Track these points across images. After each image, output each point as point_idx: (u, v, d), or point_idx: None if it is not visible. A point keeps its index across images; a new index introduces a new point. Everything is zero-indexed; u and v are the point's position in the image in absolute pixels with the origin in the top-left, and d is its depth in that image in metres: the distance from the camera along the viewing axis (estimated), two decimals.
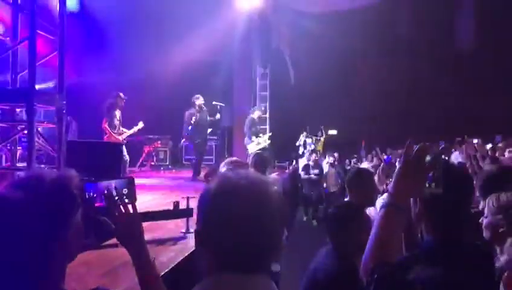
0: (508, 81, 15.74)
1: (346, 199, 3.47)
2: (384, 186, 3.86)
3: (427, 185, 1.28)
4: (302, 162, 13.56)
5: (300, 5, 14.85)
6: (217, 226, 1.11)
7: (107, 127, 7.85)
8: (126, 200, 1.49)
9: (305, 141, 14.98)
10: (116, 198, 1.46)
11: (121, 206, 1.45)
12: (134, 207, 1.49)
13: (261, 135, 11.02)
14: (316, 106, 15.84)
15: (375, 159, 12.27)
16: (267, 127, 15.20)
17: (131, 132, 8.51)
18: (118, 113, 8.30)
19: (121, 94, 8.26)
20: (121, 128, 8.54)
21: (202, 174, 10.65)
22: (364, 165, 12.03)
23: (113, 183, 1.44)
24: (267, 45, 14.63)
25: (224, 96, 13.37)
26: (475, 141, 13.54)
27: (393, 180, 1.26)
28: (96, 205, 1.41)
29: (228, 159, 3.61)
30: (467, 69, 16.22)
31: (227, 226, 1.09)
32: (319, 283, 2.44)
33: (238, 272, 1.10)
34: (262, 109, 11.13)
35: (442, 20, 16.66)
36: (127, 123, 9.01)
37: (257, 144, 10.78)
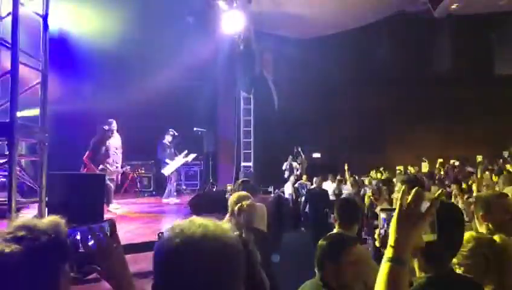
0: (485, 101, 16.15)
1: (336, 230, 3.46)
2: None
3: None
4: (288, 186, 13.59)
5: (284, 30, 15.12)
6: (170, 281, 1.07)
7: (87, 160, 7.77)
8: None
9: (290, 164, 15.04)
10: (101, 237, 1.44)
11: (105, 244, 1.44)
12: (117, 245, 1.47)
13: (177, 156, 11.36)
14: (300, 130, 15.96)
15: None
16: (252, 151, 15.26)
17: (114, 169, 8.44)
18: (109, 144, 8.25)
19: (105, 127, 8.21)
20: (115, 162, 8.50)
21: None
22: (344, 187, 12.15)
23: (95, 226, 1.42)
24: (250, 70, 14.78)
25: (208, 121, 13.42)
26: (456, 162, 13.83)
27: (390, 231, 1.22)
28: (79, 250, 1.39)
29: (237, 194, 3.65)
30: (446, 91, 16.57)
31: (180, 281, 1.05)
32: None
33: None
34: (171, 133, 11.49)
35: (421, 43, 17.10)
36: None
37: (172, 165, 11.21)
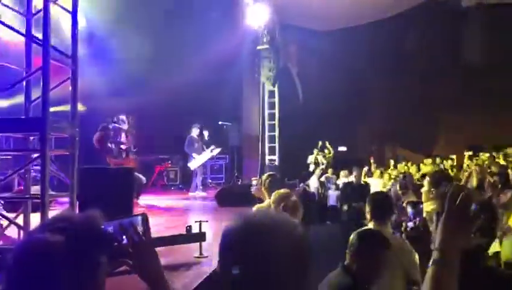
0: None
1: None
2: None
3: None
4: (313, 180, 13.51)
5: (308, 23, 14.96)
6: (235, 265, 1.08)
7: (114, 160, 7.75)
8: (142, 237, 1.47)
9: (316, 158, 14.94)
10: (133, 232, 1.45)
11: (139, 240, 1.44)
12: (150, 241, 1.47)
13: (205, 150, 11.43)
14: (325, 123, 15.83)
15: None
16: (276, 145, 15.21)
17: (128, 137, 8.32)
18: (123, 137, 8.19)
19: (123, 117, 8.14)
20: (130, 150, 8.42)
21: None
22: (371, 180, 11.99)
23: (126, 220, 1.43)
24: (274, 63, 14.71)
25: (233, 115, 13.45)
26: (486, 154, 13.48)
27: (438, 234, 1.20)
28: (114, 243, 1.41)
29: (279, 193, 3.61)
30: (475, 84, 16.14)
31: (246, 266, 1.07)
32: None
33: None
34: (198, 126, 11.40)
35: (449, 34, 16.69)
36: (140, 145, 9.00)
37: (198, 159, 11.30)
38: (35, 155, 3.48)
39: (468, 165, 12.44)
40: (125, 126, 8.49)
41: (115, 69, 11.42)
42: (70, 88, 3.63)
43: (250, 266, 1.07)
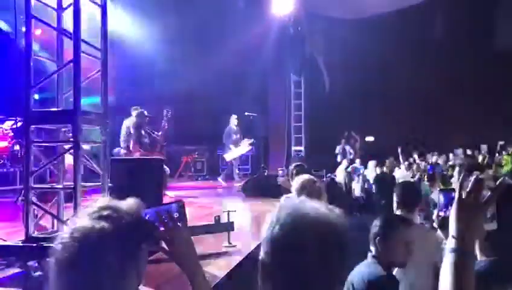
0: None
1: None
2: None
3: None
4: (340, 170, 13.41)
5: (333, 12, 14.78)
6: (283, 255, 1.11)
7: (139, 149, 7.72)
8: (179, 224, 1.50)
9: (343, 148, 14.82)
10: (169, 219, 1.47)
11: (175, 228, 1.46)
12: (186, 228, 1.50)
13: (241, 142, 11.25)
14: (352, 113, 15.64)
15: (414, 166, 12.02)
16: (303, 135, 15.15)
17: (161, 132, 8.22)
18: (143, 132, 8.14)
19: (145, 112, 8.10)
20: (151, 137, 8.35)
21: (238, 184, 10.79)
22: (399, 172, 11.83)
23: (162, 207, 1.45)
24: (300, 52, 14.60)
25: (259, 105, 13.44)
26: None
27: (451, 222, 1.20)
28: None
29: (302, 178, 3.56)
30: (506, 69, 15.64)
31: (294, 256, 1.10)
32: (354, 287, 2.44)
33: None
34: (236, 117, 11.24)
35: (480, 20, 16.21)
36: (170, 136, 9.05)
37: (234, 151, 11.15)
38: (68, 146, 3.56)
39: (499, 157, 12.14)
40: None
41: (141, 60, 11.52)
42: (100, 81, 3.70)
43: (294, 256, 1.10)
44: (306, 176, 3.55)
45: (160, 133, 8.13)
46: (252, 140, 11.61)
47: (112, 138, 5.65)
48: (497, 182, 1.32)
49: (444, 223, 4.38)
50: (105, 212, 1.20)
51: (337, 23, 15.12)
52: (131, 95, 10.30)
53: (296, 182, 3.48)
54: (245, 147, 11.36)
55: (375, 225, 2.66)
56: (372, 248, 2.60)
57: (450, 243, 1.19)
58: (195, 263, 1.48)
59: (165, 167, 8.12)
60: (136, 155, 7.55)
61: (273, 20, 13.15)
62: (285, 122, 14.67)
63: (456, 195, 1.21)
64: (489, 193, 1.20)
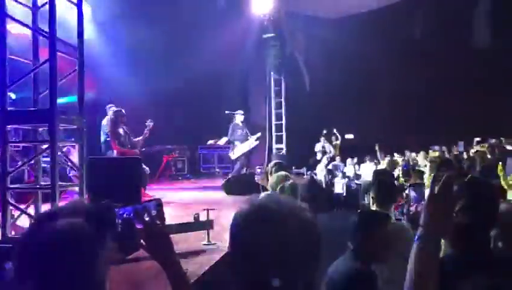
0: None
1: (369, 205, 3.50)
2: None
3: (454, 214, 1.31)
4: (321, 168, 13.52)
5: (314, 10, 14.87)
6: (245, 250, 1.11)
7: (118, 147, 7.64)
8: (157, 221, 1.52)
9: (323, 146, 14.95)
10: (147, 217, 1.49)
11: (153, 225, 1.48)
12: (163, 225, 1.52)
13: (249, 137, 10.92)
14: (332, 111, 15.79)
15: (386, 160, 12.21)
16: (283, 133, 15.23)
17: (142, 137, 8.20)
18: (121, 130, 8.08)
19: (122, 110, 8.02)
20: (130, 140, 8.29)
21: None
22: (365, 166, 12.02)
23: (140, 205, 1.48)
24: (281, 51, 14.66)
25: (239, 104, 13.45)
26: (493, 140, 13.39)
27: (423, 214, 1.29)
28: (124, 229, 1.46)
29: (278, 175, 3.60)
30: (484, 68, 15.95)
31: (256, 251, 1.09)
32: (336, 284, 2.48)
33: None
34: (241, 112, 11.13)
35: (458, 19, 16.49)
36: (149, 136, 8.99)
37: (240, 148, 10.79)
38: (45, 146, 3.54)
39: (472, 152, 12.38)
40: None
41: (121, 59, 11.42)
42: (77, 80, 3.68)
43: (258, 251, 1.09)
44: (281, 173, 3.59)
45: (140, 138, 8.09)
46: (259, 134, 11.26)
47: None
48: (467, 178, 1.41)
49: (414, 218, 4.49)
50: (68, 211, 1.20)
51: (317, 22, 15.22)
52: (112, 95, 10.22)
53: (271, 178, 3.53)
54: (251, 142, 10.95)
55: (354, 220, 2.70)
56: (351, 243, 2.63)
57: (418, 232, 1.28)
58: (174, 260, 1.49)
59: (144, 166, 8.10)
60: (115, 154, 7.48)
61: (253, 19, 13.18)
62: (266, 120, 14.72)
63: (429, 189, 1.30)
64: (458, 188, 1.31)
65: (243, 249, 1.12)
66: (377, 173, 4.23)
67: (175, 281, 1.48)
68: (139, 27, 10.85)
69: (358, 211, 2.92)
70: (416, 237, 1.27)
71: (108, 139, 7.62)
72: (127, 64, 11.61)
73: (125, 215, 1.44)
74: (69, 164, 3.89)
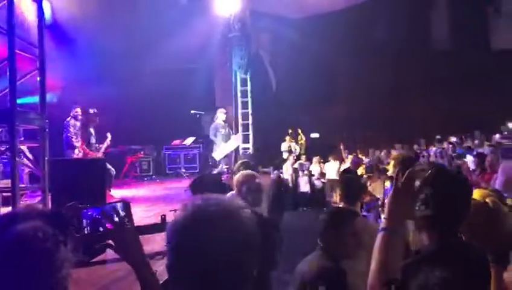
0: (481, 79, 16.03)
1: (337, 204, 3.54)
2: None
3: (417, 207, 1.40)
4: (287, 167, 13.66)
5: (279, 10, 14.96)
6: (187, 258, 1.07)
7: (84, 147, 7.54)
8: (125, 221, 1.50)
9: (289, 145, 15.07)
10: (116, 217, 1.48)
11: (121, 224, 1.47)
12: (132, 225, 1.51)
13: (232, 137, 10.85)
14: (298, 110, 15.93)
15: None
16: (250, 133, 15.25)
17: (104, 145, 8.24)
18: (92, 130, 8.00)
19: (90, 110, 7.95)
20: (97, 145, 8.25)
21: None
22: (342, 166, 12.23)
23: (108, 206, 1.47)
24: (246, 51, 14.67)
25: (205, 104, 13.37)
26: (453, 139, 13.87)
27: (386, 206, 1.36)
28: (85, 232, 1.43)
29: (243, 172, 3.55)
30: (443, 68, 16.46)
31: (199, 258, 1.05)
32: (306, 282, 2.50)
33: None
34: (223, 111, 11.00)
35: (418, 20, 16.97)
36: (111, 136, 8.87)
37: (223, 148, 10.61)
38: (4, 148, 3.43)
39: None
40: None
41: (83, 59, 11.17)
42: (38, 79, 3.57)
43: (192, 256, 1.06)
44: (246, 172, 3.58)
45: (102, 146, 8.02)
46: (240, 135, 11.17)
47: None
48: (427, 174, 1.47)
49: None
50: (22, 216, 1.18)
51: (283, 22, 15.32)
52: (76, 95, 9.97)
53: (237, 177, 3.50)
54: (234, 143, 10.80)
55: (323, 218, 2.72)
56: (321, 240, 2.65)
57: (382, 224, 1.36)
58: (143, 260, 1.49)
59: (110, 167, 7.97)
60: (78, 155, 7.33)
61: (218, 17, 13.13)
62: (232, 120, 14.70)
63: (393, 184, 1.37)
64: (420, 183, 1.38)
65: (182, 258, 1.08)
66: (344, 172, 4.30)
67: (145, 281, 1.47)
68: (99, 26, 10.64)
69: (327, 209, 2.95)
70: (380, 228, 1.35)
71: (73, 138, 7.44)
72: (91, 64, 11.37)
73: (94, 215, 1.42)
74: (30, 165, 3.78)
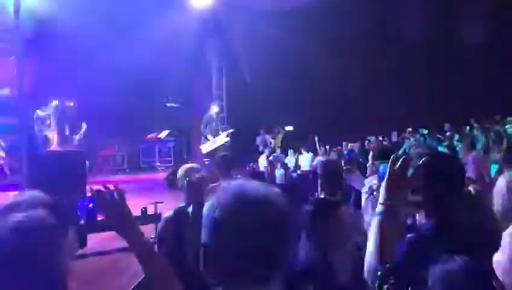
0: (453, 71, 16.42)
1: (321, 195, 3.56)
2: None
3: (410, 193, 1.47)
4: (262, 159, 13.70)
5: (254, 4, 14.93)
6: (228, 238, 1.11)
7: (59, 139, 7.35)
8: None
9: (265, 138, 15.12)
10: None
11: (112, 199, 1.50)
12: (121, 195, 1.53)
13: (220, 132, 10.75)
14: (272, 103, 15.95)
15: (332, 153, 12.62)
16: (226, 126, 15.24)
17: (78, 136, 8.03)
18: (67, 123, 7.80)
19: (69, 103, 7.76)
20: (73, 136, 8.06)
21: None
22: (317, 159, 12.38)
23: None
24: (221, 43, 14.63)
25: (181, 97, 13.29)
26: (425, 131, 14.22)
27: (381, 192, 1.43)
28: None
29: (185, 167, 3.43)
30: (414, 62, 16.77)
31: (239, 238, 1.09)
32: (292, 273, 2.50)
33: (250, 284, 1.12)
34: (217, 103, 10.84)
35: (389, 14, 17.22)
36: (87, 130, 8.71)
37: (212, 142, 10.47)
38: None
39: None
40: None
41: (57, 50, 10.92)
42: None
43: (238, 239, 1.10)
44: (189, 165, 3.49)
45: (76, 138, 7.84)
46: (230, 130, 10.89)
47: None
48: (420, 162, 1.55)
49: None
50: (21, 207, 1.18)
51: (258, 15, 15.28)
52: (51, 88, 9.73)
53: (180, 170, 3.40)
54: (222, 138, 10.56)
55: (308, 209, 2.68)
56: (308, 234, 2.58)
57: (377, 209, 1.44)
58: (133, 224, 1.50)
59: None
60: (56, 147, 7.17)
61: (193, 11, 13.03)
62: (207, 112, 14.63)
63: (388, 171, 1.44)
64: (412, 171, 1.47)
65: (226, 240, 1.11)
66: (325, 162, 4.34)
67: (137, 246, 1.47)
68: (75, 16, 10.41)
69: (312, 199, 2.96)
70: (377, 212, 1.43)
71: (47, 131, 7.28)
72: (65, 56, 11.14)
73: (89, 205, 1.44)
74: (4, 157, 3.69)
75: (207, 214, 1.16)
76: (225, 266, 1.13)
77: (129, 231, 1.47)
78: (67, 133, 7.86)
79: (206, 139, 10.36)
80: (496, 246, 1.60)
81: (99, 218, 3.63)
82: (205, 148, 10.40)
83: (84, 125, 7.85)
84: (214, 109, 10.74)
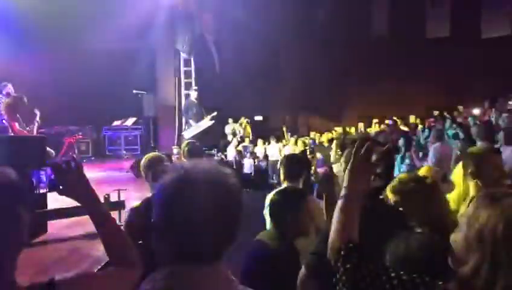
0: (417, 64, 16.70)
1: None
2: None
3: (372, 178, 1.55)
4: (230, 149, 13.70)
5: None
6: (176, 217, 1.11)
7: (20, 129, 7.03)
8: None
9: (233, 128, 15.11)
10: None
11: (70, 169, 1.48)
12: (77, 163, 1.51)
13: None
14: (241, 92, 15.91)
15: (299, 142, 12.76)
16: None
17: (35, 125, 7.67)
18: (19, 114, 7.43)
19: (24, 98, 7.36)
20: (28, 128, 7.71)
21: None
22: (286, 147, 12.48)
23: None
24: (190, 31, 14.44)
25: (147, 83, 13.04)
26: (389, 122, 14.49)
27: (345, 176, 1.49)
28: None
29: (148, 156, 3.36)
30: (383, 53, 16.95)
31: (187, 217, 1.10)
32: (258, 261, 2.50)
33: (196, 262, 1.13)
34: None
35: (359, 5, 17.39)
36: (49, 116, 8.43)
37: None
38: None
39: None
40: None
41: (19, 34, 10.55)
42: None
43: (183, 217, 1.10)
44: (151, 155, 3.42)
45: (33, 127, 7.51)
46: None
47: None
48: (383, 149, 1.66)
49: (321, 179, 4.82)
50: None
51: (227, 1, 15.12)
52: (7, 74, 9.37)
53: (143, 160, 3.32)
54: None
55: (275, 198, 2.69)
56: (274, 221, 2.63)
57: (341, 192, 1.49)
58: (95, 198, 1.49)
59: (48, 149, 7.57)
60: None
61: None
62: (175, 100, 14.47)
63: (352, 156, 1.50)
64: (376, 157, 1.53)
65: (175, 219, 1.11)
66: (288, 154, 4.38)
67: (98, 218, 1.48)
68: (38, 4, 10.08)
69: (276, 189, 2.95)
70: (340, 197, 1.48)
71: (4, 119, 6.94)
72: (26, 41, 10.76)
73: (47, 175, 1.41)
74: None
75: (155, 194, 1.17)
76: (173, 246, 1.14)
77: (85, 196, 1.47)
78: (21, 123, 7.43)
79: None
80: (447, 228, 1.68)
81: (61, 206, 3.55)
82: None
83: (37, 112, 7.41)
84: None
